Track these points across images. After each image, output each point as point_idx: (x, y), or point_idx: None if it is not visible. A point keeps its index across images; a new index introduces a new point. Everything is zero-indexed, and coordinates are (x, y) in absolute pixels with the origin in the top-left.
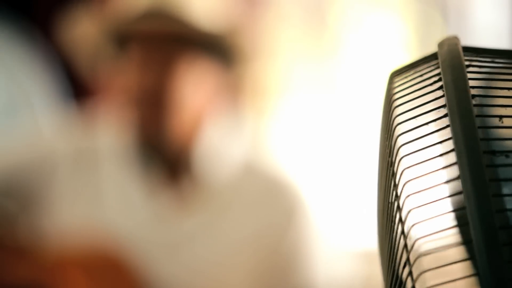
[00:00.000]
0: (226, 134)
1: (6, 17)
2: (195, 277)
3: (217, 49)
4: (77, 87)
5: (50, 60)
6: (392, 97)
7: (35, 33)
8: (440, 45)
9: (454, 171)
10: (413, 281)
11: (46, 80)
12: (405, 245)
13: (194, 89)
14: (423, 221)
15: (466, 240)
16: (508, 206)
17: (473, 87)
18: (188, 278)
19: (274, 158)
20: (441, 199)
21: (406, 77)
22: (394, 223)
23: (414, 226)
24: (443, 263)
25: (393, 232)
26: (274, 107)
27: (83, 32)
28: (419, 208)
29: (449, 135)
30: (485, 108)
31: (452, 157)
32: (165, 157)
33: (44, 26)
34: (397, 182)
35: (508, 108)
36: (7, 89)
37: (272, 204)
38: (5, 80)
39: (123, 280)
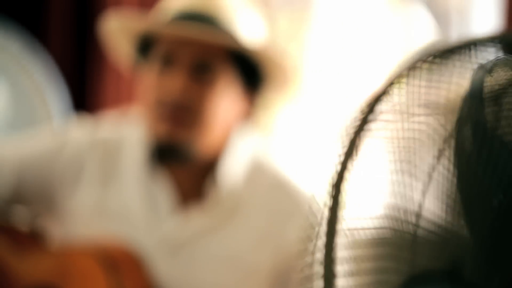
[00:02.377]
0: (242, 145)
1: (16, 31)
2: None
3: (250, 66)
4: (82, 100)
5: (56, 72)
6: None
7: (43, 46)
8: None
9: None
10: None
11: (56, 92)
12: None
13: (226, 103)
14: None
15: None
16: None
17: None
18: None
19: (287, 167)
20: None
21: None
22: None
23: None
24: None
25: None
26: (279, 119)
27: (116, 30)
28: None
29: None
30: None
31: None
32: (191, 168)
33: (52, 40)
34: None
35: None
36: (25, 98)
37: (286, 211)
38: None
39: (139, 276)
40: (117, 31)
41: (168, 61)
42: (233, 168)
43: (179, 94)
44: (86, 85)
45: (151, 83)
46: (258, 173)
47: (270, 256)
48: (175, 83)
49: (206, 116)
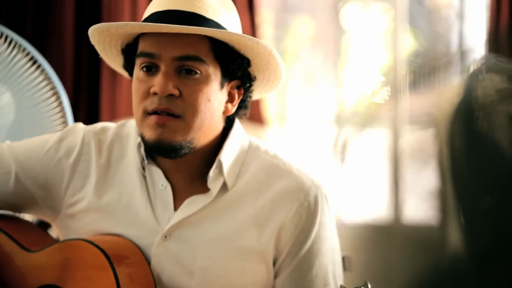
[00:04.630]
0: (235, 132)
1: (24, 43)
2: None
3: (233, 59)
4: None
5: (64, 85)
6: None
7: (54, 58)
8: None
9: None
10: None
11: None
12: None
13: (212, 97)
14: None
15: None
16: None
17: None
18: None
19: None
20: None
21: None
22: None
23: None
24: None
25: None
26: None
27: (99, 38)
28: None
29: None
30: None
31: None
32: (186, 158)
33: (56, 55)
34: None
35: None
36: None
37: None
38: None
39: (142, 267)
40: (101, 39)
41: (151, 63)
42: (229, 154)
43: (163, 94)
44: (100, 97)
45: (137, 90)
46: (253, 158)
47: (268, 237)
48: (158, 84)
49: (195, 111)
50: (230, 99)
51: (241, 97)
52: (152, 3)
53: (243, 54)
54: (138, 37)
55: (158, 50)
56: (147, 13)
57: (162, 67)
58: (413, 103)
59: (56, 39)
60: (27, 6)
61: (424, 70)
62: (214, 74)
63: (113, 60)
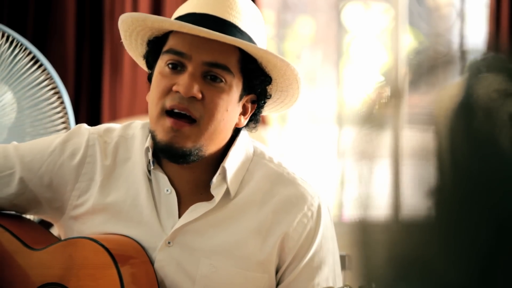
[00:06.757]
0: (241, 139)
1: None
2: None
3: (256, 71)
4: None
5: (66, 85)
6: None
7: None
8: None
9: None
10: None
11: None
12: None
13: (231, 107)
14: None
15: None
16: None
17: None
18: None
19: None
20: None
21: None
22: None
23: None
24: None
25: None
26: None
27: (131, 25)
28: None
29: None
30: None
31: None
32: (194, 165)
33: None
34: None
35: None
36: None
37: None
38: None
39: (146, 268)
40: (131, 27)
41: (179, 62)
42: (233, 161)
43: (186, 95)
44: (101, 96)
45: (157, 86)
46: (257, 165)
47: (271, 246)
48: (183, 84)
49: (212, 118)
50: (243, 111)
51: (253, 111)
52: (187, 3)
53: (268, 72)
54: (168, 32)
55: (190, 51)
56: (181, 11)
57: (190, 68)
58: (413, 102)
59: (58, 39)
60: (28, 5)
61: (424, 70)
62: (237, 85)
63: (134, 48)
